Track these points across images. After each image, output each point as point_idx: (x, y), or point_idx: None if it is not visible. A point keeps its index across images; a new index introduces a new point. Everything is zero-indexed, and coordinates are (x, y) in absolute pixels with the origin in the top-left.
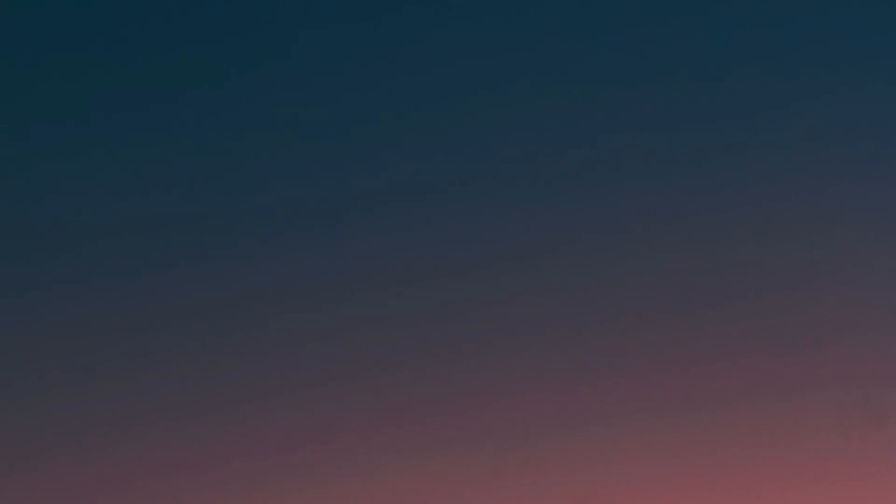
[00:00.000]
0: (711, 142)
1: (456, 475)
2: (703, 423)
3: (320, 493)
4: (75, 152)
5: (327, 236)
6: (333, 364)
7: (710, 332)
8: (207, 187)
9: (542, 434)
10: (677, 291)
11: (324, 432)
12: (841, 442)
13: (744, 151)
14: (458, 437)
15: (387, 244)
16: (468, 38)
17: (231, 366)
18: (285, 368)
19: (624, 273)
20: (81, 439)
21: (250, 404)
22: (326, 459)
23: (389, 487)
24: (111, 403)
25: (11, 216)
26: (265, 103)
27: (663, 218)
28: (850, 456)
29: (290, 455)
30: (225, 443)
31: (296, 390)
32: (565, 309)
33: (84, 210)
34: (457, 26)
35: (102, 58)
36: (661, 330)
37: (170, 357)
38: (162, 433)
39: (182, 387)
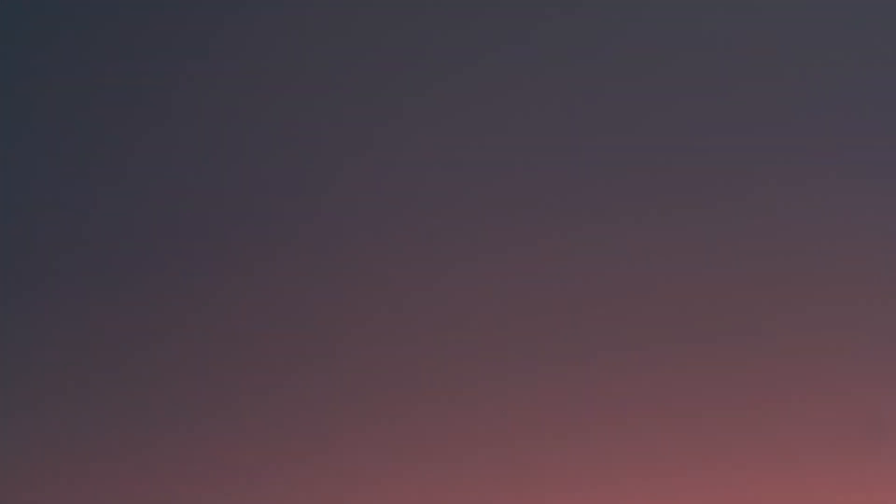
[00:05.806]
0: (712, 150)
1: (454, 480)
2: (703, 433)
3: (316, 497)
4: (76, 156)
5: (327, 233)
6: (330, 368)
7: (711, 342)
8: (207, 192)
9: (542, 439)
10: (678, 301)
11: (320, 436)
12: (841, 454)
13: (745, 161)
14: (456, 442)
15: (384, 244)
16: (465, 39)
17: (230, 370)
18: (284, 370)
19: (625, 282)
20: (84, 446)
21: (250, 412)
22: (322, 463)
23: (386, 492)
24: (113, 411)
25: (12, 221)
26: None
27: (666, 226)
28: (850, 468)
29: (288, 458)
30: (224, 448)
31: (293, 393)
32: (567, 313)
33: (83, 215)
34: (454, 28)
35: (102, 59)
36: (662, 340)
37: (171, 363)
38: (163, 440)
39: (183, 394)
